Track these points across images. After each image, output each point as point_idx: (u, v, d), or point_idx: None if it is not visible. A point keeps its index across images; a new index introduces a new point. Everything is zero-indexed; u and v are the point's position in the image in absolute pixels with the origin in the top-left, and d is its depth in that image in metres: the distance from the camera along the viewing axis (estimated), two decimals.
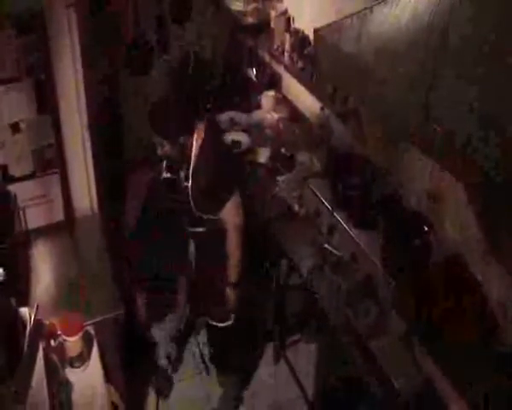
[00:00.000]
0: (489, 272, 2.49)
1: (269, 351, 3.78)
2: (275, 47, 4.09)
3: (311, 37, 3.49)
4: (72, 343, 2.37)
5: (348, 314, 2.69)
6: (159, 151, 2.80)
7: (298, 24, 3.91)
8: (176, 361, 3.69)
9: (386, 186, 3.11)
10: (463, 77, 1.80)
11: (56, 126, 2.99)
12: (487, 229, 2.48)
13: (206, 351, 3.69)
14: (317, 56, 3.15)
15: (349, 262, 2.91)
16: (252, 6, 4.26)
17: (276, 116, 4.30)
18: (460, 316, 2.46)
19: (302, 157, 3.69)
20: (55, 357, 2.29)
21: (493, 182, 1.71)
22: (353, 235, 2.90)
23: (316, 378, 3.20)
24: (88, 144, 3.15)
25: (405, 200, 3.02)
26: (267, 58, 4.48)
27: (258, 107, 4.43)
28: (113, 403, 2.52)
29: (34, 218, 3.13)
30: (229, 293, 2.98)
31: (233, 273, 2.94)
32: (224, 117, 4.36)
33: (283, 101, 4.38)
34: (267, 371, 3.71)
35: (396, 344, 2.55)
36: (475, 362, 2.30)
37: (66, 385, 2.33)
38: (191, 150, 2.79)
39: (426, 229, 2.70)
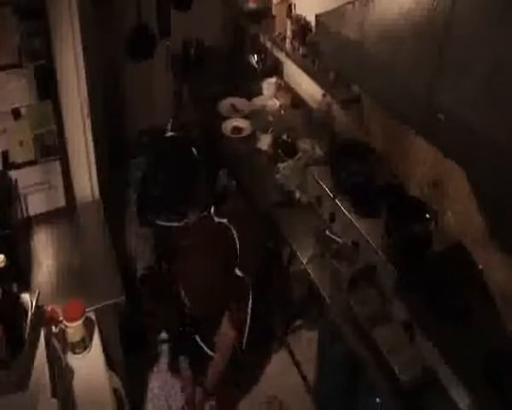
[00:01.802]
0: (490, 260, 2.49)
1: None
2: (276, 33, 4.06)
3: (313, 23, 3.46)
4: (74, 329, 2.37)
5: (349, 302, 2.70)
6: None
7: (299, 10, 3.88)
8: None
9: (388, 174, 3.10)
10: (468, 66, 1.78)
11: (57, 113, 2.98)
12: (489, 218, 2.47)
13: None
14: (318, 43, 3.13)
15: (350, 250, 2.91)
16: None
17: (277, 103, 4.29)
18: (460, 305, 2.47)
19: (304, 144, 3.67)
20: (56, 343, 2.30)
21: (496, 172, 1.70)
22: (355, 222, 2.89)
23: (317, 366, 3.21)
24: (89, 131, 3.14)
25: (407, 188, 3.02)
26: (269, 45, 4.46)
27: (260, 93, 4.42)
28: (114, 390, 2.52)
29: (35, 204, 3.13)
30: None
31: (210, 384, 2.86)
32: (226, 103, 4.35)
33: (285, 87, 4.37)
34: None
35: (398, 332, 2.56)
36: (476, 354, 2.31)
37: (68, 371, 2.34)
38: None
39: (427, 217, 2.69)
